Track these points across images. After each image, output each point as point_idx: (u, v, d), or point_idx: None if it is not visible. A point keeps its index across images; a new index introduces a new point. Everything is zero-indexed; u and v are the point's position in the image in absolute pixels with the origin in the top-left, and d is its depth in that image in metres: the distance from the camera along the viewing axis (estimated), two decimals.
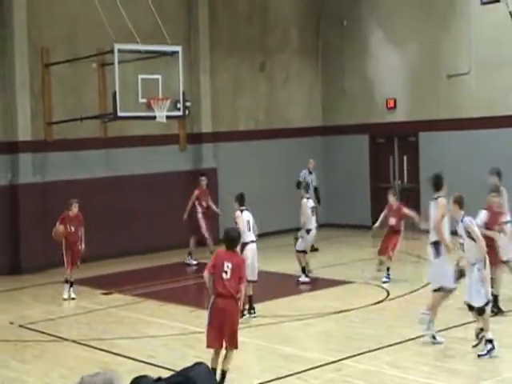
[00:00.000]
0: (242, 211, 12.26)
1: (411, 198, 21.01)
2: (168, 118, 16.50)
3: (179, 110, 16.79)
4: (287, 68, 22.56)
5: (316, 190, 18.99)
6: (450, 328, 11.01)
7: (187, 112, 17.86)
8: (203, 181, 18.02)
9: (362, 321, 11.93)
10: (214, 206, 18.17)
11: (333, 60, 22.95)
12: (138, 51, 16.23)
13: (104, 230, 18.04)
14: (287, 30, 22.64)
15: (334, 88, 23.01)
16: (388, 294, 13.61)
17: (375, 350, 10.09)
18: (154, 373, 2.35)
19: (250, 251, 11.98)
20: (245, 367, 9.70)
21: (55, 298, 14.52)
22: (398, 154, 21.92)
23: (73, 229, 14.14)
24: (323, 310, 12.61)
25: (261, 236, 20.39)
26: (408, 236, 17.13)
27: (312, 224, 15.27)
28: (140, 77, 15.81)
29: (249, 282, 11.10)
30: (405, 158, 21.67)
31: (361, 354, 9.94)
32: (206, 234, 17.67)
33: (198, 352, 10.42)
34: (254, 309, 12.20)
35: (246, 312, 11.81)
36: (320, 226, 22.07)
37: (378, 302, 13.06)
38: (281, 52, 22.34)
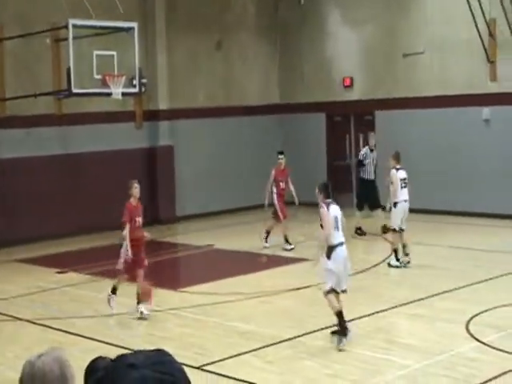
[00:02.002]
0: (328, 205, 9.61)
1: None
2: (124, 94, 16.27)
3: (135, 86, 16.55)
4: (244, 46, 22.40)
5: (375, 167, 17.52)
6: (405, 304, 11.13)
7: (143, 89, 17.65)
8: (281, 159, 16.32)
9: (317, 298, 11.95)
10: (292, 190, 16.20)
11: (290, 39, 22.86)
12: (93, 27, 15.96)
13: (59, 207, 17.80)
14: (245, 9, 22.46)
15: (291, 67, 22.94)
16: None
17: (331, 326, 10.12)
18: (111, 352, 2.28)
19: (340, 257, 9.43)
20: (202, 345, 9.68)
21: (8, 277, 14.27)
22: (354, 132, 21.99)
23: None
24: (281, 287, 12.63)
25: (218, 214, 20.66)
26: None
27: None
28: (95, 53, 15.53)
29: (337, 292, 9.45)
30: (361, 136, 21.74)
31: (317, 330, 9.98)
32: (281, 218, 15.91)
33: (153, 330, 10.39)
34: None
35: None
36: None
37: None
38: (238, 30, 22.16)
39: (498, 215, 18.17)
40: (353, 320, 9.97)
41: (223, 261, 15.86)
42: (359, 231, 17.08)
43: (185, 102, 20.85)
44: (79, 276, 14.17)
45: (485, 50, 18.69)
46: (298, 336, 9.81)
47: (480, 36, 18.42)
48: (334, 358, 8.97)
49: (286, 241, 15.83)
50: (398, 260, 13.57)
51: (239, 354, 9.19)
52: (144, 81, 18.13)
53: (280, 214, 15.83)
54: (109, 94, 15.82)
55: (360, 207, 17.49)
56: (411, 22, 20.17)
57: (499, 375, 8.13)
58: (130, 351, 1.98)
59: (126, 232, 10.89)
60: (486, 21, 18.45)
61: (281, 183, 16.01)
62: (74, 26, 15.10)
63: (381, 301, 11.36)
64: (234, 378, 8.42)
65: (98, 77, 15.43)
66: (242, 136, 21.88)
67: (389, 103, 20.66)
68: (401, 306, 11.05)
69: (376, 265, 14.11)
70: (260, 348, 9.39)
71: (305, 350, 9.31)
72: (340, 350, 9.03)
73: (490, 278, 12.47)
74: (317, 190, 9.92)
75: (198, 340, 9.94)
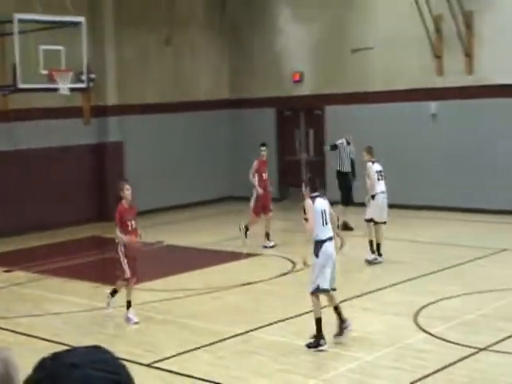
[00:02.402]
0: (314, 198, 9.22)
1: (317, 170, 21.32)
2: (71, 90, 16.08)
3: (83, 82, 16.36)
4: (194, 42, 22.26)
5: (353, 162, 17.47)
6: (355, 297, 11.20)
7: (91, 84, 17.42)
8: (264, 151, 16.06)
9: (269, 292, 11.99)
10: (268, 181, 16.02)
11: (240, 34, 22.80)
12: (40, 21, 15.71)
13: (5, 205, 17.50)
14: (194, 4, 22.33)
15: (241, 62, 22.90)
16: (294, 265, 13.71)
17: (282, 320, 10.15)
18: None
19: (329, 252, 9.04)
20: (152, 342, 9.60)
21: None
22: (304, 126, 22.07)
23: None
24: (231, 282, 12.60)
25: (168, 209, 20.53)
26: None
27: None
28: (42, 48, 15.30)
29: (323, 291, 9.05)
30: (311, 131, 21.85)
31: (268, 325, 9.98)
32: (255, 216, 15.58)
33: (103, 328, 10.27)
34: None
35: None
36: (225, 199, 22.29)
37: (285, 274, 13.15)
38: (188, 26, 22.01)
39: (443, 207, 18.42)
40: (305, 314, 9.99)
41: (173, 257, 15.79)
42: (346, 227, 16.50)
43: (134, 97, 20.65)
44: (26, 275, 13.94)
45: (431, 45, 18.93)
46: (249, 331, 9.79)
47: (427, 32, 18.65)
48: (285, 353, 8.96)
49: (267, 238, 15.37)
50: (379, 255, 13.31)
51: (190, 350, 9.14)
52: (92, 76, 17.89)
53: (253, 213, 15.48)
54: (56, 90, 15.60)
55: (342, 201, 17.08)
56: (360, 18, 20.29)
57: (447, 365, 8.23)
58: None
59: (120, 235, 10.33)
60: (432, 17, 18.68)
61: (263, 174, 15.76)
62: (20, 21, 14.85)
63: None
64: (185, 375, 8.37)
65: (45, 72, 15.20)
66: (192, 131, 21.78)
67: (338, 98, 20.76)
68: (351, 299, 11.11)
69: None
70: (211, 344, 9.35)
71: (256, 345, 9.30)
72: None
73: (438, 271, 12.62)
74: (303, 184, 9.52)
75: (147, 337, 9.86)
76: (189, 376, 8.32)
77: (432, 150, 19.05)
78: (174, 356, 8.97)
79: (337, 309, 9.05)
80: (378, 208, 13.37)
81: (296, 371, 8.34)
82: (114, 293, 10.72)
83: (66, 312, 11.18)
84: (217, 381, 8.13)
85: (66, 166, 18.85)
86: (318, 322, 8.88)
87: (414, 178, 19.22)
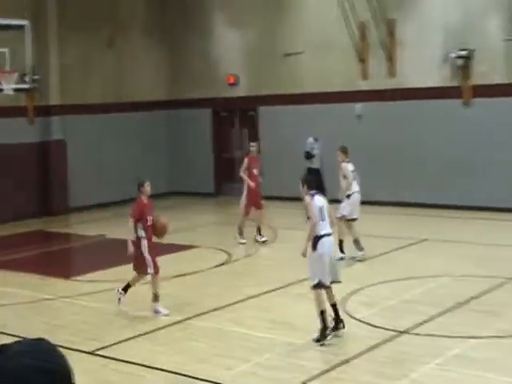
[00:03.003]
0: (312, 196, 8.92)
1: None
2: (16, 90, 15.74)
3: (27, 82, 16.03)
4: (135, 44, 22.00)
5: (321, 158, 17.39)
6: (288, 285, 11.25)
7: (35, 85, 17.09)
8: (253, 147, 15.22)
9: (205, 282, 11.95)
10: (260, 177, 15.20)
11: (178, 39, 22.64)
12: None
13: None
14: (135, 8, 22.09)
15: (179, 65, 22.76)
16: (229, 257, 13.72)
17: (219, 309, 10.13)
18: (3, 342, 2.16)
19: (327, 247, 8.78)
20: (94, 331, 9.47)
21: None
22: (238, 126, 22.09)
23: None
24: (170, 273, 12.50)
25: (110, 205, 20.27)
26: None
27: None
28: None
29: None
30: (245, 130, 21.89)
31: (205, 313, 9.95)
32: (245, 214, 14.83)
33: (46, 318, 10.07)
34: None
35: None
36: (165, 194, 22.15)
37: (222, 264, 13.14)
38: (129, 29, 21.75)
39: (367, 202, 18.63)
40: (240, 302, 10.00)
41: (115, 250, 15.51)
42: None
43: (77, 97, 20.31)
44: None
45: (357, 50, 19.15)
46: (187, 319, 9.75)
47: (352, 38, 18.87)
48: (221, 338, 8.96)
49: (259, 233, 14.68)
50: (361, 250, 12.79)
51: (131, 338, 9.04)
52: (36, 77, 17.57)
53: (244, 210, 14.65)
54: (0, 90, 15.25)
55: None
56: (291, 24, 20.39)
57: (371, 348, 8.35)
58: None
59: (131, 226, 9.99)
60: (357, 24, 18.90)
61: (254, 170, 14.84)
62: None
63: (267, 283, 11.45)
64: (126, 361, 8.27)
65: None
66: (133, 131, 21.59)
67: (271, 99, 20.84)
68: (286, 286, 11.17)
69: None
70: (151, 331, 9.27)
71: (193, 332, 9.27)
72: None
73: (363, 260, 12.77)
74: (300, 183, 9.12)
75: (89, 326, 9.71)
76: (130, 362, 8.23)
77: (358, 149, 19.26)
78: (116, 343, 8.86)
79: (334, 306, 8.75)
80: (352, 206, 12.84)
81: (230, 355, 8.33)
82: (126, 288, 10.26)
83: (11, 304, 10.92)
84: (157, 366, 8.07)
85: (11, 163, 18.43)
86: (322, 314, 8.54)
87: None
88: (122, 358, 8.36)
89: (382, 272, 11.91)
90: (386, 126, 18.78)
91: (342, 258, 12.32)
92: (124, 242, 15.55)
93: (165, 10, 22.69)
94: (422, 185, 18.18)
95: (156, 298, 10.03)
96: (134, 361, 8.25)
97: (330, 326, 8.58)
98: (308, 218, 8.78)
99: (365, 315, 9.58)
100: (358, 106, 19.34)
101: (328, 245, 8.72)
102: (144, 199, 10.21)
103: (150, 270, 9.98)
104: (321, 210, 8.72)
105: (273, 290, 11.05)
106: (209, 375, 7.70)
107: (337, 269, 8.91)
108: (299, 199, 19.10)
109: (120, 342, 8.92)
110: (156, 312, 10.01)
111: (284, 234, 15.74)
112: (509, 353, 8.07)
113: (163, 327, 9.42)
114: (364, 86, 19.29)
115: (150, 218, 10.07)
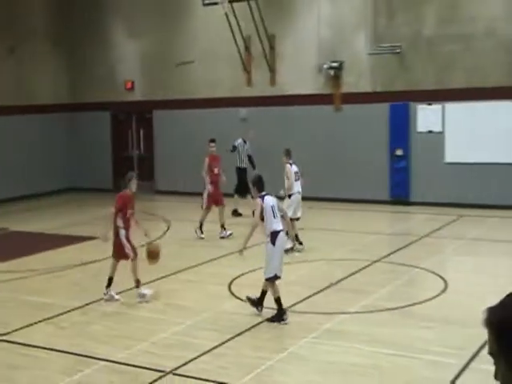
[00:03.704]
0: (262, 197, 8.83)
1: (147, 165, 21.31)
2: None
3: None
4: (37, 51, 21.23)
5: (250, 157, 16.79)
6: (180, 271, 11.24)
7: None
8: (213, 147, 14.57)
9: (106, 270, 11.72)
10: (222, 174, 14.63)
11: (80, 47, 22.05)
12: None
13: None
14: (38, 18, 21.30)
15: (80, 70, 22.17)
16: None
17: (116, 294, 9.99)
18: None
19: (282, 242, 8.83)
20: None
21: None
22: (135, 128, 21.82)
23: None
24: (72, 262, 12.23)
25: (11, 200, 19.56)
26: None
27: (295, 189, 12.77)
28: None
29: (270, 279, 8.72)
30: (141, 131, 21.66)
31: (102, 299, 9.79)
32: (207, 205, 14.13)
33: None
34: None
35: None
36: (66, 190, 21.60)
37: None
38: (32, 37, 20.97)
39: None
40: (134, 288, 9.88)
41: (18, 242, 15.03)
42: (235, 213, 16.32)
43: None
44: None
45: (242, 61, 19.32)
46: (88, 304, 9.57)
47: (238, 50, 19.02)
48: (119, 321, 8.86)
49: (223, 228, 14.03)
50: (301, 244, 12.57)
51: (34, 323, 8.78)
52: None
53: (205, 202, 13.99)
54: None
55: (238, 192, 16.47)
56: (184, 35, 20.32)
57: (254, 326, 8.49)
58: None
59: (110, 215, 9.74)
60: (243, 38, 19.06)
61: (215, 169, 14.24)
62: None
63: (160, 270, 11.37)
64: (29, 345, 8.03)
65: None
66: (34, 133, 20.94)
67: (165, 104, 20.74)
68: (175, 273, 11.15)
69: (156, 239, 14.11)
70: (53, 317, 9.04)
71: (94, 316, 9.11)
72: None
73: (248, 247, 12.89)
74: (251, 185, 9.02)
75: None
76: (33, 346, 7.99)
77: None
78: (20, 329, 8.58)
79: (278, 299, 8.64)
80: (294, 206, 12.52)
81: (130, 337, 8.25)
82: (109, 282, 9.80)
83: None
84: (59, 349, 7.88)
85: None
86: (278, 300, 8.54)
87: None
88: (25, 343, 8.10)
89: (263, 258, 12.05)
90: (268, 128, 19.07)
91: (299, 250, 12.38)
92: (27, 234, 15.16)
93: (67, 20, 22.04)
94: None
95: (138, 282, 9.70)
96: (37, 344, 8.02)
97: (287, 310, 8.61)
98: (259, 217, 8.70)
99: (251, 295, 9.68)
100: (243, 111, 19.54)
101: (284, 239, 8.80)
102: (128, 193, 9.91)
103: (130, 254, 9.68)
104: (272, 208, 8.69)
105: (166, 276, 11.01)
106: (108, 355, 7.60)
107: (282, 264, 8.87)
108: (190, 194, 19.23)
109: (24, 327, 8.65)
110: (141, 296, 9.64)
111: (176, 226, 15.72)
112: (372, 325, 8.41)
113: (65, 312, 9.20)
114: (248, 92, 19.50)
115: (129, 212, 9.77)
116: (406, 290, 9.80)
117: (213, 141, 14.68)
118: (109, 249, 13.33)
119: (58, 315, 9.10)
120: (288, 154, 12.66)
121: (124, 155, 21.84)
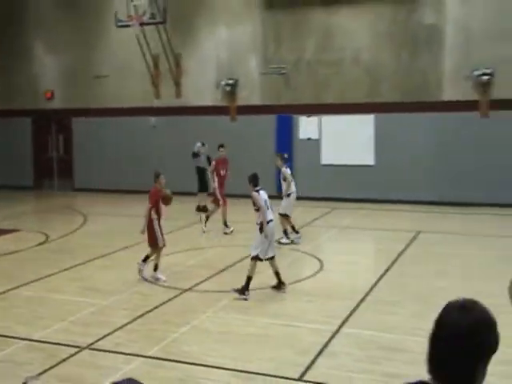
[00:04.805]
0: (258, 191, 8.71)
1: (66, 165, 20.53)
2: None
3: None
4: None
5: (209, 158, 14.97)
6: (99, 257, 10.79)
7: None
8: (222, 151, 13.51)
9: (29, 259, 11.09)
10: (228, 176, 13.61)
11: (3, 59, 20.86)
12: None
13: None
14: None
15: (4, 80, 20.99)
16: (48, 238, 12.88)
17: (37, 280, 9.46)
18: None
19: (271, 230, 8.67)
20: None
21: None
22: (55, 133, 20.88)
23: None
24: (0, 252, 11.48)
25: None
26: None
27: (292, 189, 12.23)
28: None
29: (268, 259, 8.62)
30: (61, 136, 20.78)
31: (26, 284, 9.23)
32: (221, 203, 13.21)
33: None
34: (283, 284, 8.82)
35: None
36: None
37: (41, 244, 12.28)
38: None
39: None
40: (57, 273, 9.38)
41: None
42: (200, 209, 15.12)
43: None
44: None
45: (151, 76, 18.92)
46: (9, 290, 8.97)
47: (148, 66, 18.61)
48: (40, 304, 8.35)
49: (226, 225, 13.12)
50: (288, 238, 12.03)
51: None
52: None
53: (220, 199, 13.11)
54: None
55: (201, 189, 15.34)
56: (100, 52, 19.68)
57: (161, 304, 8.26)
58: None
59: (147, 209, 9.32)
60: (151, 56, 18.65)
61: (221, 171, 13.26)
62: None
63: (77, 257, 10.90)
64: None
65: None
66: None
67: (83, 112, 20.02)
68: (91, 260, 10.70)
69: (75, 230, 13.52)
70: None
71: (17, 300, 8.54)
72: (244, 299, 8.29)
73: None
74: (248, 182, 8.77)
75: None
76: None
77: (153, 153, 19.10)
78: None
79: (278, 273, 8.61)
80: (291, 204, 12.12)
81: (50, 317, 7.80)
82: (145, 259, 9.51)
83: None
84: None
85: None
86: (249, 279, 8.36)
87: (146, 172, 19.08)
88: None
89: (177, 244, 11.82)
90: (174, 135, 18.81)
91: (295, 240, 11.95)
92: None
93: None
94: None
95: (156, 267, 9.40)
96: None
97: (248, 294, 8.36)
98: (256, 209, 8.61)
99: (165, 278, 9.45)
100: (152, 119, 19.15)
101: (272, 228, 8.62)
102: (158, 188, 9.43)
103: (160, 244, 9.39)
104: (266, 201, 8.60)
105: (82, 263, 10.54)
106: (29, 334, 7.14)
107: (274, 246, 8.75)
108: (105, 191, 18.58)
109: None
110: (156, 279, 9.31)
111: (94, 219, 15.13)
112: (264, 300, 8.38)
113: None
114: (157, 103, 19.13)
115: (161, 205, 9.42)
116: (290, 271, 9.87)
117: (221, 146, 13.79)
118: (32, 240, 12.64)
119: None
120: (283, 158, 12.14)
121: (44, 157, 20.89)
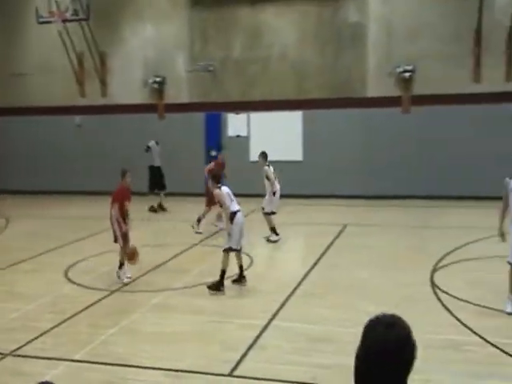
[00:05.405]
0: (220, 188, 8.58)
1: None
2: None
3: None
4: None
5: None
6: (21, 262, 10.38)
7: None
8: (220, 154, 13.81)
9: None
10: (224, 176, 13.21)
11: None
12: None
13: None
14: None
15: None
16: None
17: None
18: None
19: (240, 220, 8.61)
20: None
21: None
22: None
23: None
24: None
25: None
26: None
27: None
28: None
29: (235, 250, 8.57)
30: None
31: None
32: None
33: None
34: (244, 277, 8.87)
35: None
36: None
37: None
38: None
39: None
40: (10, 267, 8.96)
41: None
42: (152, 208, 15.13)
43: None
44: None
45: (75, 74, 18.43)
46: None
47: (72, 64, 18.11)
48: None
49: (218, 220, 12.77)
50: (277, 235, 11.79)
51: None
52: None
53: (207, 206, 12.90)
54: None
55: (151, 189, 15.32)
56: (20, 49, 19.00)
57: (88, 306, 8.05)
58: None
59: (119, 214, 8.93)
60: (76, 53, 18.17)
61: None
62: None
63: (3, 262, 10.45)
64: None
65: None
66: None
67: (4, 111, 19.28)
68: (17, 264, 10.27)
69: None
70: None
71: None
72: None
73: (91, 235, 12.31)
74: (208, 180, 8.77)
75: None
76: None
77: (79, 152, 18.62)
78: None
79: (241, 267, 8.70)
80: (274, 203, 11.84)
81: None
82: (121, 266, 9.16)
83: None
84: None
85: None
86: (223, 273, 8.36)
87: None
88: None
89: (104, 245, 11.55)
90: (102, 133, 18.40)
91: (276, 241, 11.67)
92: None
93: None
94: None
95: (121, 265, 9.05)
96: None
97: (223, 289, 8.35)
98: (220, 206, 8.68)
99: (83, 280, 9.22)
100: (77, 118, 18.66)
101: (242, 219, 8.59)
102: (125, 186, 9.06)
103: (120, 243, 9.03)
104: (229, 194, 8.59)
105: (7, 267, 10.12)
106: None
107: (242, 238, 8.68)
108: (27, 192, 17.89)
109: None
110: (119, 277, 9.04)
111: (17, 221, 14.56)
112: (194, 298, 8.32)
113: None
114: (82, 102, 18.63)
115: (126, 203, 8.97)
116: (220, 267, 9.86)
117: (219, 150, 14.14)
118: None
119: None
120: (265, 157, 11.93)
121: None
